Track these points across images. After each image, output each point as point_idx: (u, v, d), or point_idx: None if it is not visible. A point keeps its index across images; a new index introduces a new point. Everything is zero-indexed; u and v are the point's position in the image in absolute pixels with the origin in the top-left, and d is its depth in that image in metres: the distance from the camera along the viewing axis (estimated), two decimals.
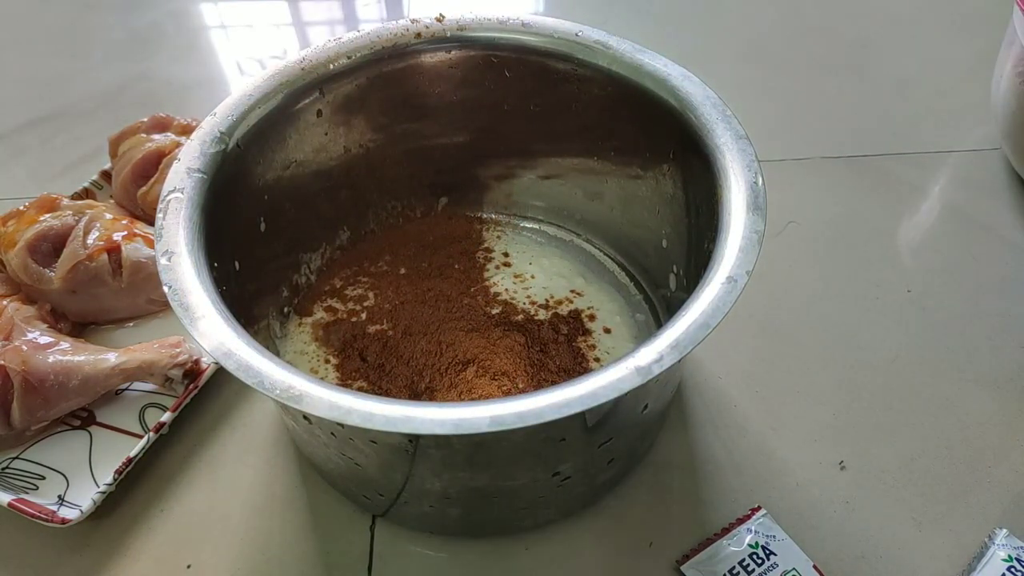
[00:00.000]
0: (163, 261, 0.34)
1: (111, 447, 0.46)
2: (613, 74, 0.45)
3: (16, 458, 0.46)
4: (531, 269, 0.53)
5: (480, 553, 0.42)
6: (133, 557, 0.43)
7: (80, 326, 0.53)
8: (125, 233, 0.53)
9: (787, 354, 0.51)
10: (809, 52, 0.77)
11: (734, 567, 0.40)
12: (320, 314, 0.51)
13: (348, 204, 0.53)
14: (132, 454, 0.44)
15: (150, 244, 0.53)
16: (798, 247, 0.58)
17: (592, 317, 0.50)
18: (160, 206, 0.37)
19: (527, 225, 0.56)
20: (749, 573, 0.40)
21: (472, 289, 0.52)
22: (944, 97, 0.71)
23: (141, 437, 0.45)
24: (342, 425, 0.32)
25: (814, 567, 0.40)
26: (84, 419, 0.48)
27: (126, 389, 0.49)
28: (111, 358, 0.48)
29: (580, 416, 0.30)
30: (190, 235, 0.36)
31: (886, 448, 0.46)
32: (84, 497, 0.43)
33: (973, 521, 0.43)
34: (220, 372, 0.49)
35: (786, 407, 0.48)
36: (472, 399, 0.44)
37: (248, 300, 0.44)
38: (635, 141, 0.47)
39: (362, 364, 0.48)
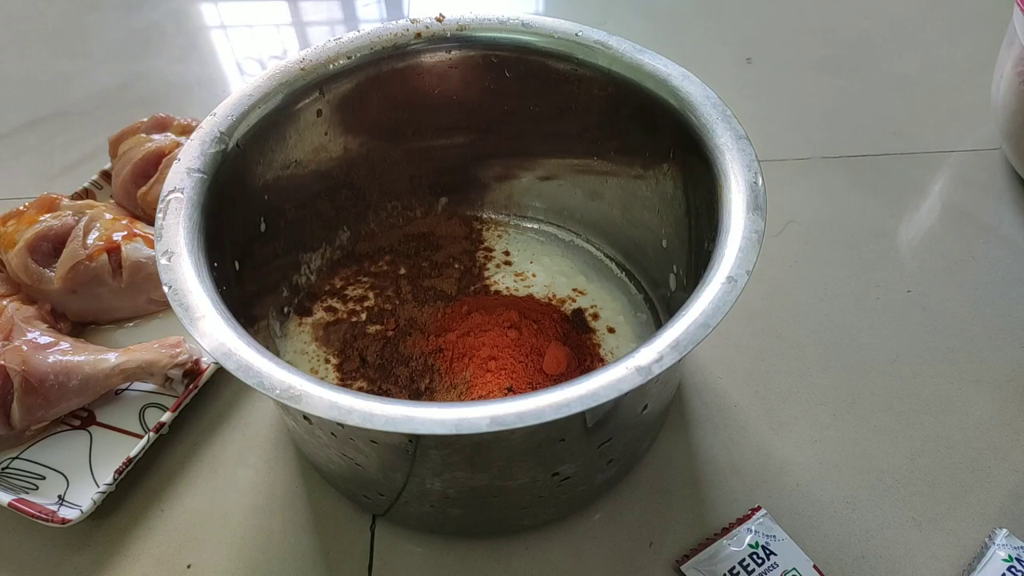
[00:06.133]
0: (163, 261, 0.34)
1: (111, 447, 0.46)
2: (613, 74, 0.45)
3: (16, 458, 0.46)
4: (532, 268, 0.53)
5: (480, 553, 0.42)
6: (133, 557, 0.43)
7: (80, 326, 0.53)
8: (125, 233, 0.53)
9: (787, 354, 0.51)
10: (809, 52, 0.77)
11: (734, 567, 0.40)
12: (320, 314, 0.51)
13: (348, 204, 0.53)
14: (132, 454, 0.44)
15: (150, 244, 0.53)
16: (798, 247, 0.58)
17: (595, 316, 0.50)
18: (160, 206, 0.37)
19: (528, 225, 0.57)
20: (749, 573, 0.40)
21: (472, 288, 0.52)
22: (944, 97, 0.71)
23: (141, 437, 0.45)
24: (342, 425, 0.32)
25: (814, 567, 0.40)
26: (84, 419, 0.48)
27: (126, 389, 0.49)
28: (111, 358, 0.48)
29: (580, 416, 0.30)
30: (190, 235, 0.36)
31: (886, 448, 0.46)
32: (84, 497, 0.43)
33: (973, 521, 0.43)
34: (220, 372, 0.49)
35: (786, 407, 0.48)
36: (472, 399, 0.44)
37: (248, 300, 0.44)
38: (635, 141, 0.47)
39: (362, 364, 0.48)
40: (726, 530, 0.42)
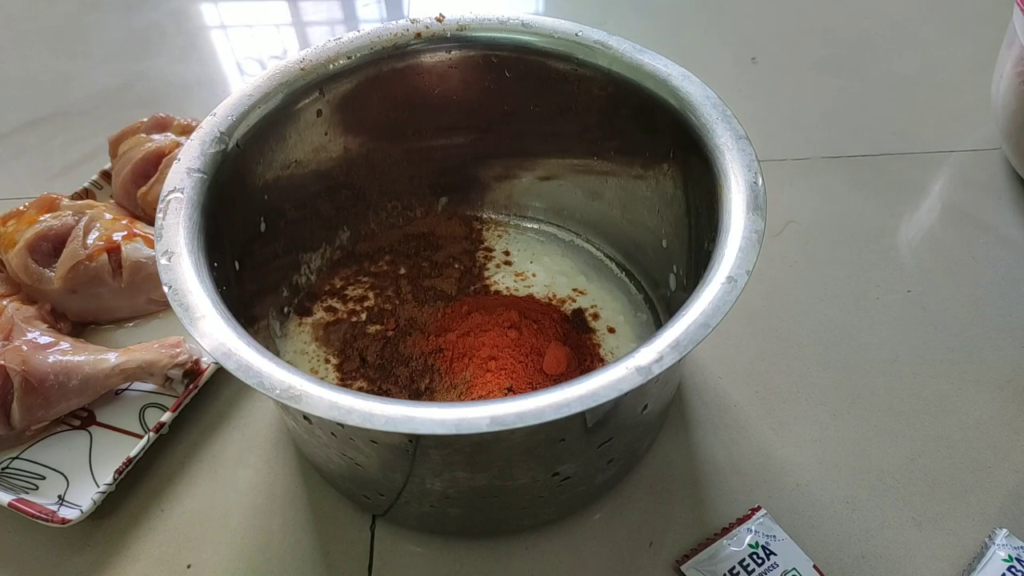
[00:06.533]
0: (163, 261, 0.34)
1: (111, 447, 0.46)
2: (613, 74, 0.45)
3: (16, 458, 0.46)
4: (532, 268, 0.53)
5: (480, 553, 0.42)
6: (133, 557, 0.43)
7: (80, 326, 0.53)
8: (125, 233, 0.53)
9: (787, 354, 0.51)
10: (809, 52, 0.77)
11: (734, 567, 0.40)
12: (320, 314, 0.51)
13: (348, 204, 0.53)
14: (132, 454, 0.44)
15: (150, 244, 0.53)
16: (798, 247, 0.58)
17: (596, 316, 0.50)
18: (160, 206, 0.37)
19: (528, 225, 0.57)
20: (749, 573, 0.40)
21: (472, 288, 0.52)
22: (944, 97, 0.71)
23: (141, 437, 0.45)
24: (342, 425, 0.32)
25: (814, 567, 0.40)
26: (84, 419, 0.48)
27: (126, 389, 0.49)
28: (111, 358, 0.48)
29: (580, 416, 0.30)
30: (190, 235, 0.36)
31: (886, 448, 0.46)
32: (84, 497, 0.43)
33: (973, 521, 0.43)
34: (220, 372, 0.49)
35: (786, 407, 0.49)
36: (472, 399, 0.44)
37: (248, 300, 0.44)
38: (635, 141, 0.47)
39: (362, 364, 0.48)
40: (726, 530, 0.42)
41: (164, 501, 0.45)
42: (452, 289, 0.52)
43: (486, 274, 0.53)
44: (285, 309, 0.50)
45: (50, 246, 0.52)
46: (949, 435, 0.47)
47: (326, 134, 0.48)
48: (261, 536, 0.43)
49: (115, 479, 0.43)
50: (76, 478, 0.45)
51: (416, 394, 0.46)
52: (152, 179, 0.57)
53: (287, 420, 0.44)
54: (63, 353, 0.47)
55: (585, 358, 0.47)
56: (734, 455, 0.46)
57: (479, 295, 0.51)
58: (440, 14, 0.48)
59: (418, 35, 0.47)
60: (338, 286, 0.52)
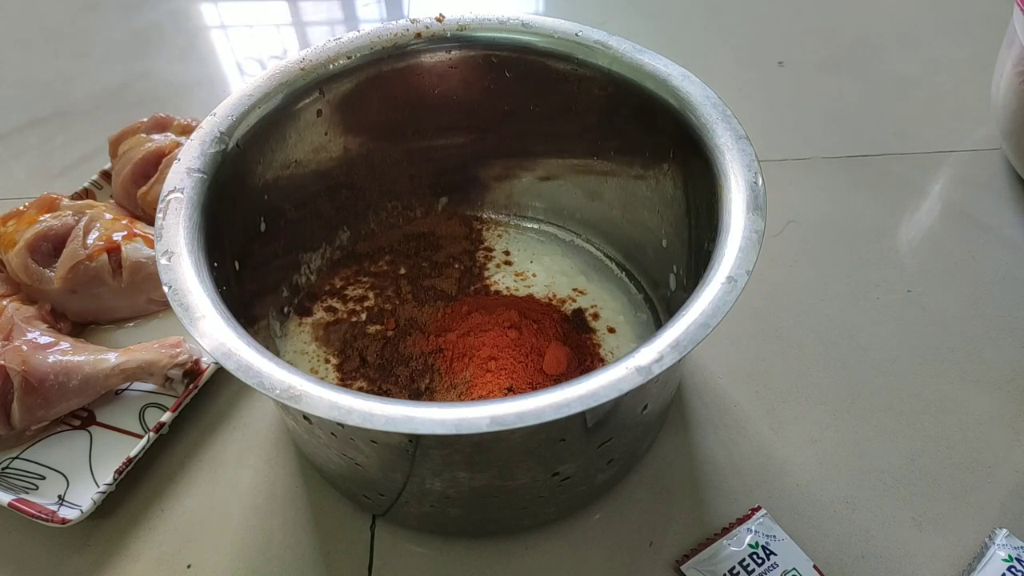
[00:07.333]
0: (163, 261, 0.34)
1: (111, 447, 0.46)
2: (613, 74, 0.45)
3: (16, 458, 0.46)
4: (532, 268, 0.53)
5: (480, 553, 0.42)
6: (133, 557, 0.43)
7: (80, 326, 0.53)
8: (125, 233, 0.53)
9: (787, 354, 0.51)
10: (809, 52, 0.77)
11: (734, 567, 0.40)
12: (320, 314, 0.51)
13: (348, 204, 0.53)
14: (132, 454, 0.44)
15: (150, 244, 0.53)
16: (798, 247, 0.58)
17: (595, 316, 0.50)
18: (160, 206, 0.37)
19: (528, 225, 0.57)
20: (749, 573, 0.40)
21: (472, 288, 0.52)
22: (944, 97, 0.71)
23: (141, 437, 0.45)
24: (342, 425, 0.32)
25: (814, 567, 0.40)
26: (84, 419, 0.48)
27: (126, 389, 0.49)
28: (111, 358, 0.48)
29: (580, 416, 0.30)
30: (190, 235, 0.36)
31: (886, 448, 0.46)
32: (84, 497, 0.43)
33: (973, 521, 0.43)
34: (220, 372, 0.49)
35: (786, 407, 0.49)
36: (472, 399, 0.44)
37: (248, 300, 0.44)
38: (635, 141, 0.47)
39: (362, 364, 0.48)
40: (726, 530, 0.42)
41: (164, 501, 0.45)
42: (452, 289, 0.52)
43: (486, 274, 0.53)
44: (285, 309, 0.50)
45: (50, 246, 0.52)
46: (949, 435, 0.47)
47: (326, 134, 0.48)
48: (261, 536, 0.43)
49: (115, 479, 0.43)
50: (76, 478, 0.45)
51: (416, 394, 0.46)
52: (152, 179, 0.57)
53: (287, 420, 0.44)
54: (63, 353, 0.47)
55: (585, 358, 0.47)
56: (734, 455, 0.46)
57: (479, 295, 0.51)
58: (440, 14, 0.48)
59: (418, 35, 0.47)
60: (338, 286, 0.52)
